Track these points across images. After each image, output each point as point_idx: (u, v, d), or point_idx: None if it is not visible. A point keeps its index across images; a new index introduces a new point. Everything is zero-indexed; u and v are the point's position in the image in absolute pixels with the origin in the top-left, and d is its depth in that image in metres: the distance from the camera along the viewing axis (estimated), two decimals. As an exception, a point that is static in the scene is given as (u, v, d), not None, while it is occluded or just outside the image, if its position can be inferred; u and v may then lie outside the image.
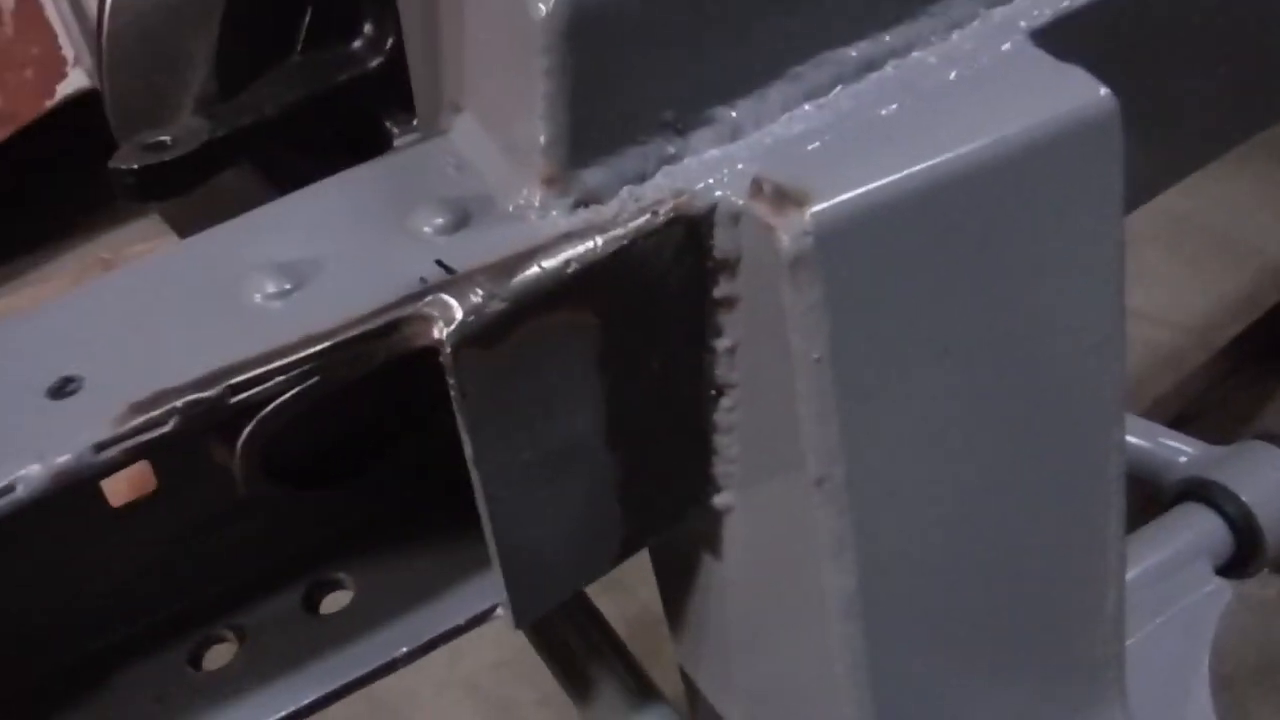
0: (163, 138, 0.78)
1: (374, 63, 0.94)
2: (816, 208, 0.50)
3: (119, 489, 0.56)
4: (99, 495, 0.56)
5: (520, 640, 2.14)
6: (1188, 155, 0.83)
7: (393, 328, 0.49)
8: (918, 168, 0.52)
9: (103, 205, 3.06)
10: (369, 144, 0.81)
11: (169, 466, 0.57)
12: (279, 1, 0.92)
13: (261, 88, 0.91)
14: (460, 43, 0.57)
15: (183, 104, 0.89)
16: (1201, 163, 0.85)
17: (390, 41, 0.94)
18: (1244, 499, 0.93)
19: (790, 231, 0.50)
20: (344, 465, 0.63)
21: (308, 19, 0.93)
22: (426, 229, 0.53)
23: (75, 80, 2.75)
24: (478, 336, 0.49)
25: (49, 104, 2.76)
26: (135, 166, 0.74)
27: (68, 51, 2.72)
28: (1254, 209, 2.68)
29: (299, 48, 0.94)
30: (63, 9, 2.68)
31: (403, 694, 2.10)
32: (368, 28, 0.93)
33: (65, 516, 0.55)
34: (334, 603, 0.63)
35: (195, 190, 0.83)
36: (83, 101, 2.77)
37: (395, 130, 0.96)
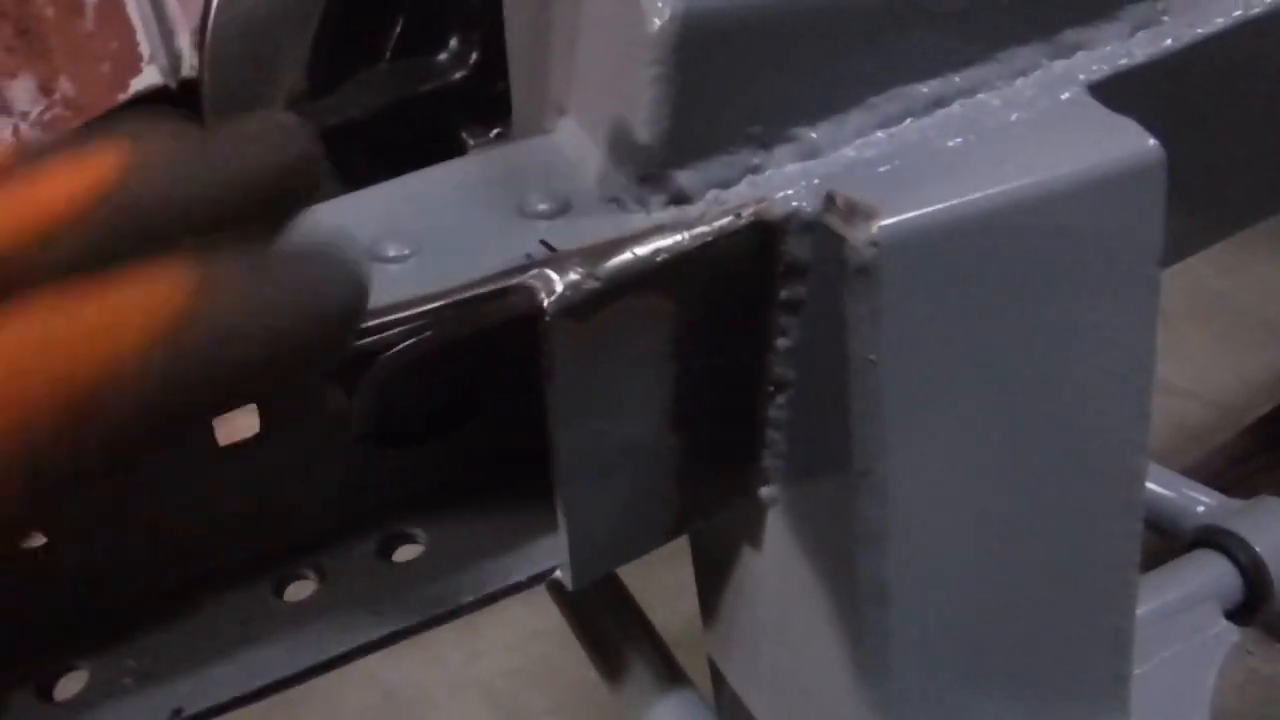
0: (253, 129, 0.83)
1: (457, 75, 0.99)
2: (884, 222, 0.55)
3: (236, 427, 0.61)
4: (209, 433, 0.61)
5: (537, 648, 2.19)
6: (1228, 218, 0.87)
7: (501, 294, 0.54)
8: (975, 196, 0.57)
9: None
10: (445, 154, 0.86)
11: (274, 415, 0.62)
12: (373, 10, 0.97)
13: (350, 91, 0.97)
14: (572, 50, 0.62)
15: (275, 100, 0.94)
16: (1240, 226, 0.88)
17: (474, 56, 0.99)
18: (1257, 549, 0.97)
19: (858, 241, 0.55)
20: (426, 430, 0.68)
21: (399, 29, 0.98)
22: (531, 212, 0.59)
23: (149, 77, 2.80)
24: (573, 310, 0.54)
25: (121, 97, 2.82)
26: (226, 153, 0.78)
27: (145, 48, 2.77)
28: (1293, 292, 2.71)
29: (388, 56, 0.99)
30: (143, 6, 2.74)
31: (418, 693, 2.14)
32: (454, 42, 0.98)
33: (182, 450, 0.61)
34: (406, 554, 0.68)
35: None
36: (153, 98, 2.83)
37: (471, 142, 1.01)
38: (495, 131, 0.97)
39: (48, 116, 2.82)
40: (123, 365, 0.35)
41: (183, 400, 0.36)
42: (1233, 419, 2.36)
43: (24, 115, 2.83)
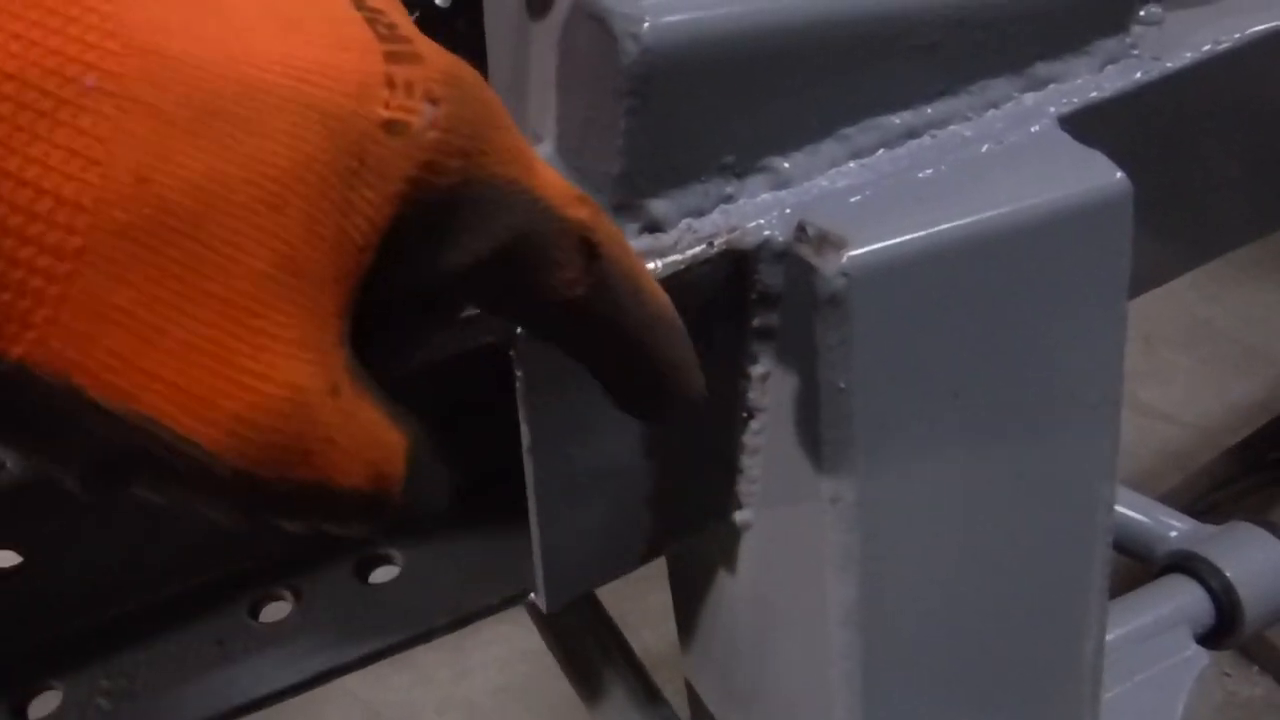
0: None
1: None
2: (853, 252, 0.56)
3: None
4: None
5: (524, 667, 2.18)
6: (1206, 244, 0.88)
7: (473, 321, 0.55)
8: (945, 226, 0.57)
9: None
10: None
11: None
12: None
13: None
14: (547, 79, 0.63)
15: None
16: (1219, 252, 0.89)
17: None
18: (1228, 574, 0.98)
19: (828, 271, 0.56)
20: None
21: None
22: (507, 240, 0.59)
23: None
24: None
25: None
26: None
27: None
28: (1275, 318, 2.73)
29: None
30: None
31: (405, 711, 2.14)
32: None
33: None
34: (382, 575, 0.69)
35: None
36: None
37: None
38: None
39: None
40: None
41: None
42: (1215, 443, 2.37)
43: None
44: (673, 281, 0.58)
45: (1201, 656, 0.94)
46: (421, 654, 2.19)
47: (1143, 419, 2.54)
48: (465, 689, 2.16)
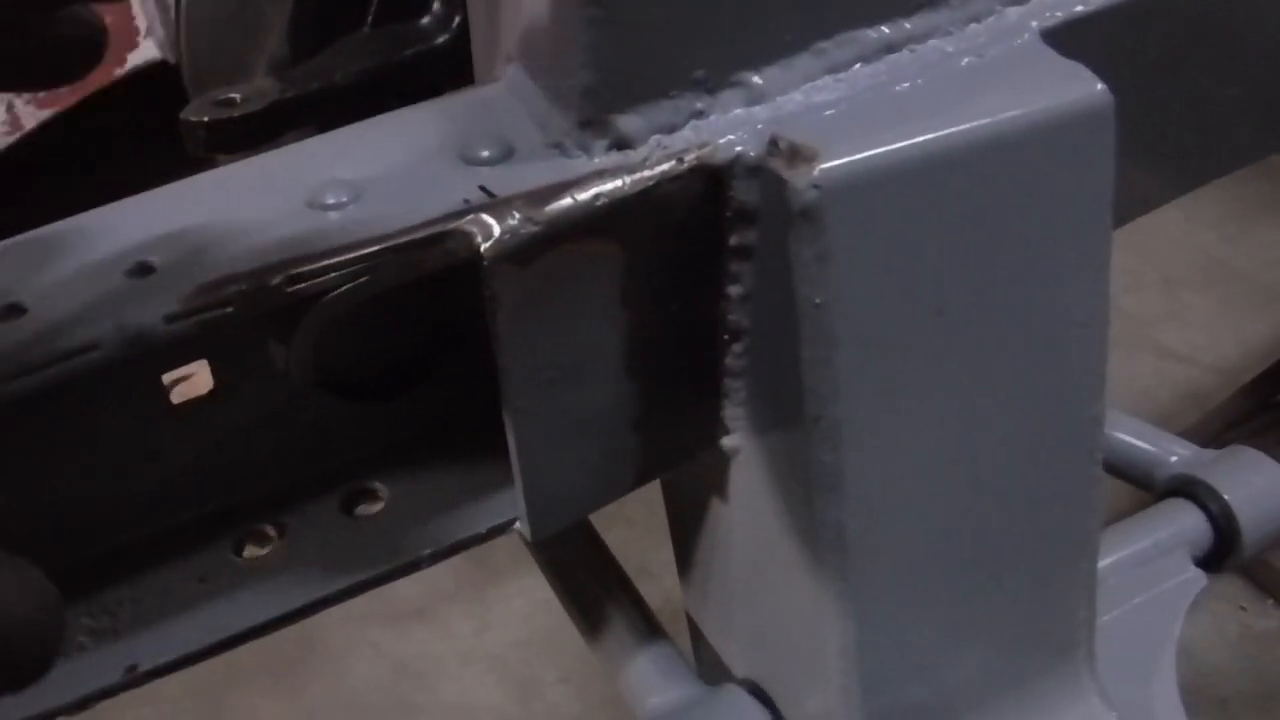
0: (233, 95, 0.82)
1: (441, 39, 0.98)
2: (825, 165, 0.55)
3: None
4: (162, 391, 0.62)
5: (546, 619, 2.19)
6: (1200, 165, 0.86)
7: (438, 239, 0.55)
8: (921, 139, 0.56)
9: (162, 177, 3.11)
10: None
11: (226, 370, 0.62)
12: (354, -27, 0.96)
13: (331, 56, 0.96)
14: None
15: (255, 66, 0.94)
16: (1216, 174, 0.87)
17: (457, 20, 0.99)
18: (1227, 498, 0.98)
19: (800, 184, 0.55)
20: (386, 384, 0.69)
21: (381, -8, 0.97)
22: (474, 159, 0.59)
23: (146, 51, 2.79)
24: (513, 254, 0.54)
25: (119, 72, 2.81)
26: (206, 119, 0.78)
27: (140, 22, 2.77)
28: (1291, 258, 2.71)
29: (370, 20, 0.99)
30: (139, -20, 2.74)
31: (429, 664, 2.15)
32: (436, 5, 0.98)
33: (131, 407, 0.61)
34: (368, 509, 0.68)
35: (260, 147, 0.88)
36: (151, 74, 2.82)
37: (455, 106, 1.00)
38: (479, 95, 0.97)
39: (42, 94, 2.78)
40: None
41: None
42: (1234, 383, 2.36)
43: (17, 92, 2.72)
44: (643, 199, 0.57)
45: (1200, 579, 0.94)
46: (444, 607, 2.21)
47: (1162, 361, 2.53)
48: (488, 642, 2.17)
